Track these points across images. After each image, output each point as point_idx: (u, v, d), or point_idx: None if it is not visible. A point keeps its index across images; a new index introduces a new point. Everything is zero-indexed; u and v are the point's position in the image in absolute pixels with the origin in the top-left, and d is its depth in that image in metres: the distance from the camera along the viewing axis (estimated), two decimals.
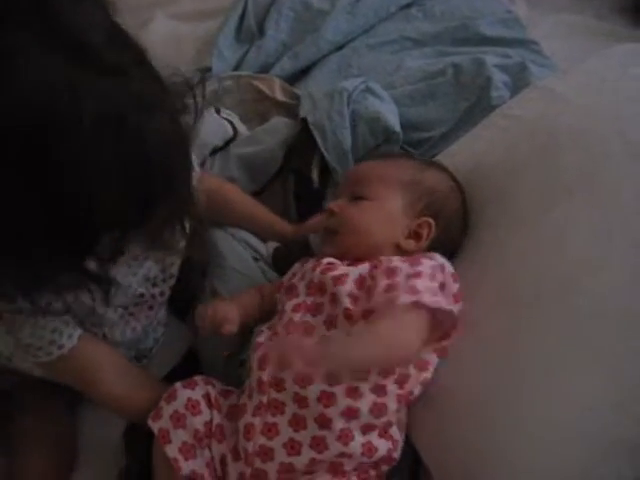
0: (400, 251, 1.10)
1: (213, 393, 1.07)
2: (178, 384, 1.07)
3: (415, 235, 1.12)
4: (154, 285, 1.17)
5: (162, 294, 1.19)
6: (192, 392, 1.05)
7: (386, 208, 1.13)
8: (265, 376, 1.00)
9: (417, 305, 0.96)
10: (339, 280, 1.04)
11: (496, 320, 1.01)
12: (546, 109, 1.22)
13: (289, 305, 1.07)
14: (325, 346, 0.95)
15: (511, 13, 1.89)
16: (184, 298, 1.32)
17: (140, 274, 1.13)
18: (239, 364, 1.19)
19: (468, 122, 1.49)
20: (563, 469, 0.89)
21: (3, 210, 0.69)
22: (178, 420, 1.03)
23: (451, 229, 1.15)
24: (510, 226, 1.10)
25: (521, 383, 0.95)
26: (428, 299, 0.96)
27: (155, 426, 1.03)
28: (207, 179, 1.27)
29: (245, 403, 1.03)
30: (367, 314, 1.00)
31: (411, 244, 1.11)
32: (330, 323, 1.02)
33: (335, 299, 1.03)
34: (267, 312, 1.16)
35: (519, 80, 1.54)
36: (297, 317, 1.05)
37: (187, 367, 1.28)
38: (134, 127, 0.71)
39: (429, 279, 1.00)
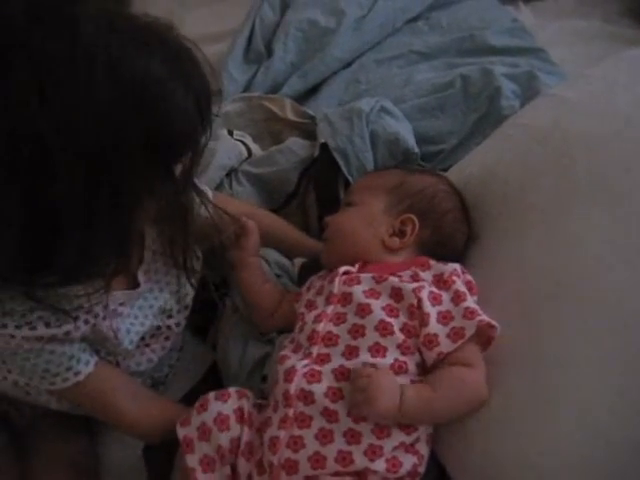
0: (387, 249, 1.14)
1: (246, 407, 1.06)
2: (211, 394, 1.06)
3: (400, 233, 1.15)
4: (169, 317, 1.19)
5: (178, 325, 1.21)
6: (224, 405, 1.05)
7: (368, 211, 1.18)
8: (292, 389, 1.00)
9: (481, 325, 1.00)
10: (371, 294, 1.06)
11: (514, 324, 1.02)
12: (558, 116, 1.22)
13: (310, 317, 1.09)
14: (409, 397, 0.96)
15: (517, 22, 1.91)
16: (204, 317, 1.33)
17: (156, 306, 1.15)
18: (261, 379, 1.20)
19: (479, 133, 1.50)
20: (590, 471, 0.90)
21: None
22: (204, 432, 1.02)
23: (444, 229, 1.17)
24: (525, 233, 1.11)
25: (546, 392, 0.95)
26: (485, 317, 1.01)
27: (181, 432, 1.03)
28: (234, 203, 1.29)
29: (270, 416, 1.03)
30: (411, 330, 1.02)
31: (396, 241, 1.14)
32: (356, 332, 1.03)
33: (364, 309, 1.04)
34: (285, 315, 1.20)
35: (528, 89, 1.55)
36: (320, 327, 1.05)
37: (208, 384, 1.29)
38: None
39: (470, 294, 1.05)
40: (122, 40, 0.81)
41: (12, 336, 0.95)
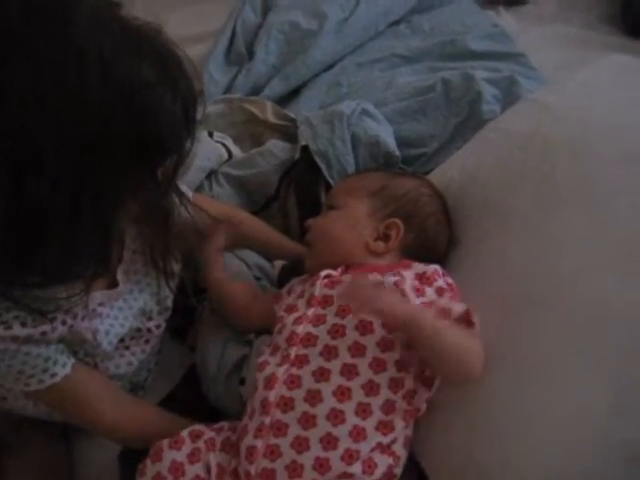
0: (371, 253, 1.14)
1: (202, 442, 1.05)
2: (164, 442, 1.05)
3: (384, 237, 1.15)
4: (149, 319, 1.18)
5: (158, 327, 1.20)
6: (177, 453, 1.04)
7: (351, 214, 1.17)
8: (272, 396, 1.00)
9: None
10: None
11: (496, 328, 1.02)
12: (538, 121, 1.23)
13: (289, 319, 1.08)
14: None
15: (498, 27, 1.92)
16: (183, 320, 1.32)
17: (136, 307, 1.14)
18: (239, 382, 1.19)
19: (460, 137, 1.50)
20: (566, 473, 0.90)
21: None
22: None
23: (427, 233, 1.18)
24: (506, 236, 1.11)
25: (524, 391, 0.95)
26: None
27: None
28: (215, 205, 1.29)
29: (246, 424, 1.02)
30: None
31: (380, 245, 1.14)
32: (336, 332, 1.03)
33: (344, 310, 1.04)
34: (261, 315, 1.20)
35: (509, 94, 1.55)
36: (299, 329, 1.05)
37: (186, 387, 1.29)
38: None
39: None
40: (114, 43, 0.81)
41: None
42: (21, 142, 0.78)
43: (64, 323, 1.01)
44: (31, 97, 0.78)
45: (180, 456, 1.03)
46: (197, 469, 1.03)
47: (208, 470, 1.03)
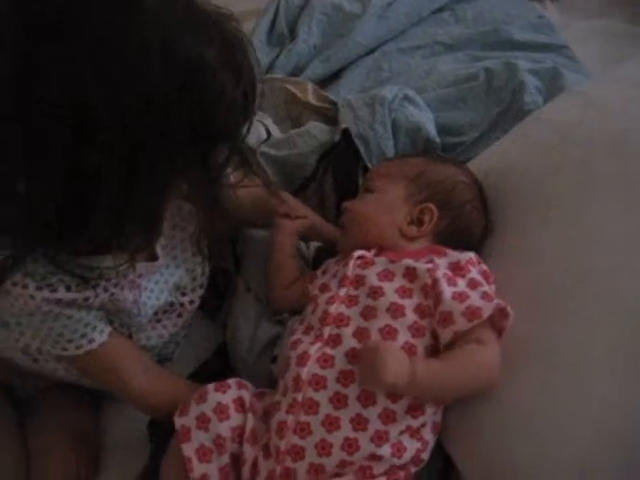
0: (403, 236, 1.15)
1: (247, 396, 1.07)
2: (210, 386, 1.06)
3: (418, 221, 1.15)
4: (183, 294, 1.19)
5: (191, 303, 1.21)
6: (223, 396, 1.05)
7: (387, 197, 1.18)
8: (304, 373, 1.01)
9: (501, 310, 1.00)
10: (385, 275, 1.07)
11: (528, 320, 1.02)
12: (582, 113, 1.22)
13: (323, 299, 1.09)
14: (420, 368, 0.96)
15: (543, 18, 1.88)
16: (216, 297, 1.33)
17: (171, 282, 1.15)
18: (271, 360, 1.20)
19: (500, 127, 1.49)
20: (599, 467, 0.90)
21: None
22: (203, 422, 1.03)
23: (462, 220, 1.17)
24: (543, 228, 1.11)
25: (558, 386, 0.95)
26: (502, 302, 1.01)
27: (179, 422, 1.04)
28: (254, 187, 1.30)
29: (279, 401, 1.03)
30: (425, 310, 1.03)
31: (413, 230, 1.15)
32: (368, 314, 1.03)
33: (377, 292, 1.05)
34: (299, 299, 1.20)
35: (552, 86, 1.53)
36: (332, 309, 1.06)
37: (216, 363, 1.31)
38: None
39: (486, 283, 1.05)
40: (179, 23, 0.82)
41: (32, 297, 0.95)
42: (81, 115, 0.79)
43: (106, 290, 1.02)
44: (91, 71, 0.78)
45: (225, 399, 1.05)
46: (240, 419, 1.04)
47: (244, 428, 1.04)
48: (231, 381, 1.08)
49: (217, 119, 0.87)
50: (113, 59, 0.79)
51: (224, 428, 1.03)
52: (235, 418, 1.04)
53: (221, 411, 1.03)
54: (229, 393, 1.06)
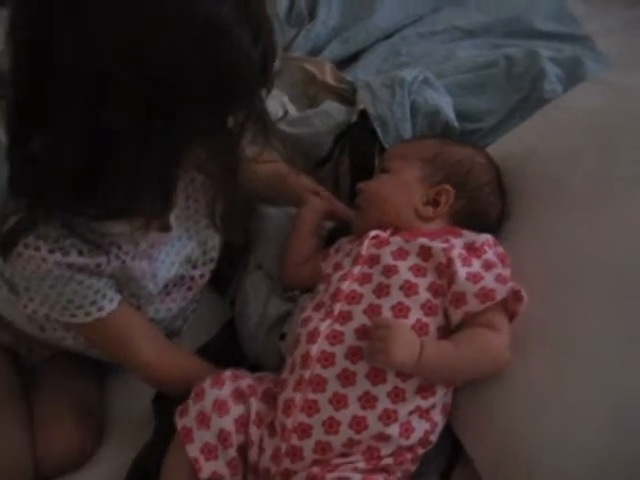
0: (419, 217, 1.14)
1: (244, 385, 1.06)
2: (206, 383, 1.05)
3: (434, 202, 1.14)
4: (194, 267, 1.18)
5: (202, 277, 1.21)
6: (219, 392, 1.04)
7: (403, 178, 1.17)
8: (314, 350, 1.00)
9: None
10: (399, 254, 1.06)
11: (540, 305, 1.01)
12: (603, 102, 1.21)
13: (336, 276, 1.09)
14: (429, 349, 0.96)
15: (565, 8, 1.87)
16: (226, 273, 1.32)
17: (183, 254, 1.15)
18: (280, 337, 1.19)
19: (519, 115, 1.47)
20: (611, 452, 0.89)
21: None
22: (203, 421, 1.01)
23: (478, 202, 1.16)
24: (561, 215, 1.10)
25: (572, 370, 0.94)
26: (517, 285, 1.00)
27: (180, 423, 1.03)
28: (267, 163, 1.29)
29: (286, 378, 1.03)
30: (438, 289, 1.02)
31: (429, 210, 1.14)
32: (381, 291, 1.03)
33: (391, 270, 1.04)
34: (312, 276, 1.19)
35: (573, 75, 1.51)
36: (344, 286, 1.05)
37: (223, 339, 1.30)
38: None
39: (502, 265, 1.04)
40: None
41: (44, 260, 0.95)
42: (96, 73, 0.79)
43: (118, 257, 1.02)
44: (106, 28, 0.78)
45: (223, 394, 1.04)
46: (240, 409, 1.03)
47: (248, 414, 1.03)
48: (226, 374, 1.07)
49: (233, 78, 0.86)
50: (125, 15, 0.78)
51: (226, 422, 1.01)
52: (235, 410, 1.03)
53: (220, 407, 1.02)
54: (225, 388, 1.05)
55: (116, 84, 0.79)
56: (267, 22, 0.88)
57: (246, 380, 1.07)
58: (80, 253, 0.97)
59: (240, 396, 1.04)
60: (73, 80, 0.80)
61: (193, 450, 1.00)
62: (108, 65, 0.79)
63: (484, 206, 1.17)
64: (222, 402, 1.03)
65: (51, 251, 0.95)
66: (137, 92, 0.80)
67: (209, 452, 1.00)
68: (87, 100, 0.80)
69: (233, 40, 0.83)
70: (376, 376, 0.97)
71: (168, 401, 1.14)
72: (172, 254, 1.13)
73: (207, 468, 0.99)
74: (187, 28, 0.80)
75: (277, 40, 0.90)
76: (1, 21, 0.86)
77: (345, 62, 1.78)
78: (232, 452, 1.01)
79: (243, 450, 1.03)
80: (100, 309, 1.04)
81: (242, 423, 1.02)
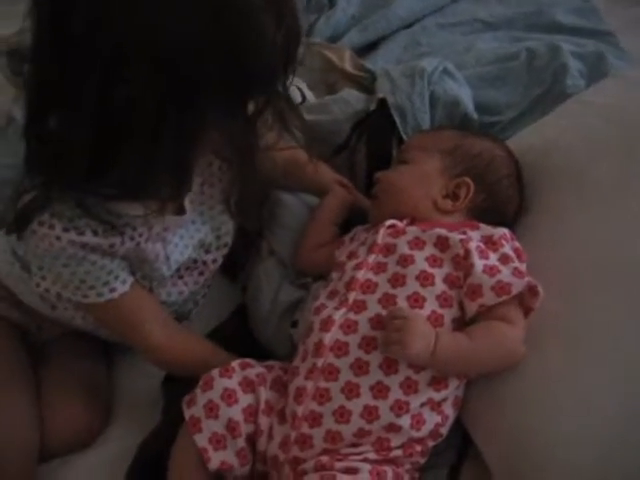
0: (438, 210, 1.13)
1: (253, 374, 1.05)
2: (215, 372, 1.04)
3: (453, 195, 1.13)
4: (207, 252, 1.18)
5: (214, 261, 1.20)
6: (229, 381, 1.03)
7: (422, 169, 1.16)
8: (327, 339, 0.99)
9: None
10: (416, 244, 1.05)
11: (556, 301, 1.00)
12: (626, 97, 1.21)
13: (350, 265, 1.08)
14: (443, 341, 0.95)
15: (588, 2, 1.85)
16: (238, 259, 1.32)
17: (196, 238, 1.14)
18: (291, 324, 1.19)
19: (539, 109, 1.46)
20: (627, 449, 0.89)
21: None
22: (211, 410, 1.00)
23: (498, 195, 1.15)
24: (581, 210, 1.09)
25: (586, 367, 0.94)
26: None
27: (188, 413, 1.02)
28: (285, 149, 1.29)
29: (298, 366, 1.02)
30: (454, 281, 1.01)
31: (448, 204, 1.13)
32: (396, 281, 1.02)
33: (407, 259, 1.03)
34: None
35: (595, 70, 1.50)
36: (359, 275, 1.04)
37: (234, 324, 1.29)
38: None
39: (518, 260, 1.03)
40: None
41: (58, 238, 0.95)
42: (114, 52, 0.78)
43: (132, 239, 1.02)
44: (127, 6, 0.78)
45: (232, 383, 1.02)
46: (249, 399, 1.02)
47: (258, 403, 1.02)
48: (235, 363, 1.05)
49: (254, 62, 0.85)
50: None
51: (235, 412, 1.01)
52: (244, 399, 1.02)
53: (229, 396, 1.01)
54: (234, 377, 1.04)
55: (133, 64, 0.79)
56: (291, 8, 0.87)
57: (255, 369, 1.06)
58: (94, 233, 0.96)
59: (249, 385, 1.04)
60: (91, 58, 0.79)
61: (201, 440, 0.99)
62: (125, 45, 0.78)
63: (503, 200, 1.16)
64: (231, 391, 1.02)
65: (65, 229, 0.94)
66: (154, 72, 0.79)
67: (217, 442, 0.99)
68: (104, 79, 0.79)
69: (254, 23, 0.82)
70: (389, 366, 0.96)
71: (177, 383, 1.14)
72: (186, 237, 1.12)
73: (216, 458, 0.99)
74: (206, 9, 0.79)
75: (302, 25, 0.88)
76: None
77: (364, 50, 1.77)
78: (241, 442, 1.00)
79: (252, 440, 1.02)
80: (112, 290, 1.04)
81: (251, 412, 1.02)
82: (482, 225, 1.09)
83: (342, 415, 0.96)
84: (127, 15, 0.77)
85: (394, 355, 0.95)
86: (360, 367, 0.97)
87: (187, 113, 0.84)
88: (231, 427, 1.00)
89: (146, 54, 0.78)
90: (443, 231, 1.05)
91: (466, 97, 1.43)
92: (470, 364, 0.98)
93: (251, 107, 0.92)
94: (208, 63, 0.81)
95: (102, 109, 0.81)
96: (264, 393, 1.03)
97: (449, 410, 0.99)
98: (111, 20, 0.78)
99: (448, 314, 0.99)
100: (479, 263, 1.00)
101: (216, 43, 0.80)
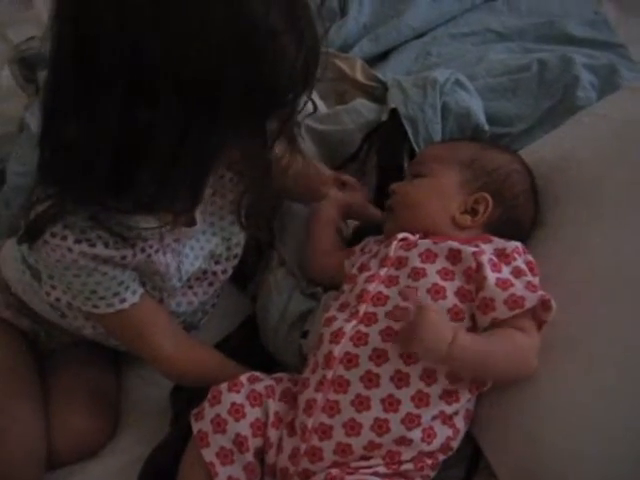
0: (455, 225, 1.11)
1: (261, 387, 1.04)
2: (224, 386, 1.03)
3: (472, 211, 1.12)
4: (217, 263, 1.18)
5: (224, 272, 1.20)
6: (237, 395, 1.02)
7: (440, 183, 1.14)
8: (337, 351, 0.99)
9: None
10: (427, 257, 1.05)
11: (569, 315, 0.99)
12: (637, 111, 1.20)
13: (362, 277, 1.07)
14: (462, 336, 0.94)
15: (599, 14, 1.84)
16: (247, 269, 1.31)
17: (207, 249, 1.14)
18: (301, 335, 1.19)
19: (549, 121, 1.45)
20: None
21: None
22: (219, 425, 1.00)
23: (515, 210, 1.14)
24: (594, 224, 1.08)
25: (599, 382, 0.93)
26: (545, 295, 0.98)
27: (196, 427, 1.01)
28: (297, 161, 1.28)
29: (308, 378, 1.02)
30: (466, 294, 1.00)
31: (467, 219, 1.11)
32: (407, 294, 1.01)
33: (418, 273, 1.02)
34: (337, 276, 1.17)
35: (608, 82, 1.50)
36: (371, 287, 1.04)
37: (243, 334, 1.30)
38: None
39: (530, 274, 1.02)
40: None
41: (70, 249, 0.95)
42: (137, 70, 0.78)
43: (143, 251, 1.02)
44: (151, 26, 0.77)
45: (239, 398, 1.02)
46: (257, 413, 1.02)
47: (267, 416, 1.02)
48: (243, 377, 1.05)
49: (274, 84, 0.85)
50: (171, 14, 0.77)
51: (242, 426, 1.00)
52: (252, 413, 1.01)
53: (236, 411, 1.01)
54: (242, 392, 1.03)
55: (155, 81, 0.78)
56: (312, 29, 0.86)
57: (264, 382, 1.06)
58: (106, 245, 0.96)
59: (257, 398, 1.03)
60: (114, 78, 0.79)
61: (209, 455, 0.99)
62: (148, 60, 0.78)
63: (519, 215, 1.15)
64: (239, 406, 1.01)
65: (77, 241, 0.94)
66: (178, 91, 0.79)
67: (225, 457, 0.99)
68: (127, 94, 0.79)
69: (277, 45, 0.82)
70: (400, 379, 0.96)
71: (186, 393, 1.14)
72: (196, 248, 1.12)
73: (223, 473, 0.98)
74: (233, 30, 0.79)
75: (320, 48, 0.88)
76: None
77: (375, 60, 1.76)
78: (249, 456, 1.00)
79: (260, 454, 1.02)
80: (122, 301, 1.04)
81: (259, 427, 1.01)
82: (495, 238, 1.08)
83: (352, 428, 0.95)
84: (153, 40, 0.77)
85: (410, 349, 0.94)
86: (370, 380, 0.96)
87: (208, 136, 0.84)
88: (239, 442, 0.99)
89: (171, 79, 0.78)
90: (455, 244, 1.05)
91: (478, 108, 1.43)
92: (486, 366, 0.97)
93: (269, 126, 0.92)
94: (232, 88, 0.81)
95: (123, 126, 0.81)
96: (273, 405, 1.03)
97: (460, 424, 0.99)
98: (137, 45, 0.77)
99: (461, 326, 0.99)
100: (492, 276, 0.99)
101: (240, 69, 0.80)
